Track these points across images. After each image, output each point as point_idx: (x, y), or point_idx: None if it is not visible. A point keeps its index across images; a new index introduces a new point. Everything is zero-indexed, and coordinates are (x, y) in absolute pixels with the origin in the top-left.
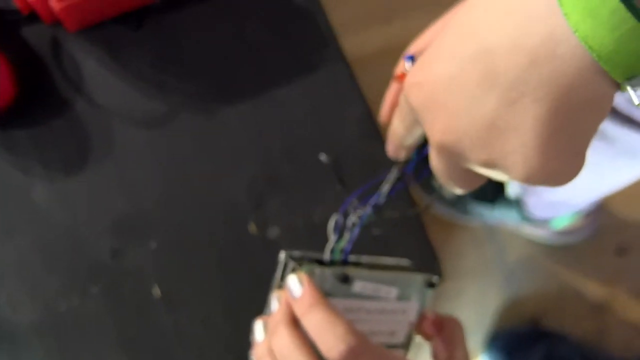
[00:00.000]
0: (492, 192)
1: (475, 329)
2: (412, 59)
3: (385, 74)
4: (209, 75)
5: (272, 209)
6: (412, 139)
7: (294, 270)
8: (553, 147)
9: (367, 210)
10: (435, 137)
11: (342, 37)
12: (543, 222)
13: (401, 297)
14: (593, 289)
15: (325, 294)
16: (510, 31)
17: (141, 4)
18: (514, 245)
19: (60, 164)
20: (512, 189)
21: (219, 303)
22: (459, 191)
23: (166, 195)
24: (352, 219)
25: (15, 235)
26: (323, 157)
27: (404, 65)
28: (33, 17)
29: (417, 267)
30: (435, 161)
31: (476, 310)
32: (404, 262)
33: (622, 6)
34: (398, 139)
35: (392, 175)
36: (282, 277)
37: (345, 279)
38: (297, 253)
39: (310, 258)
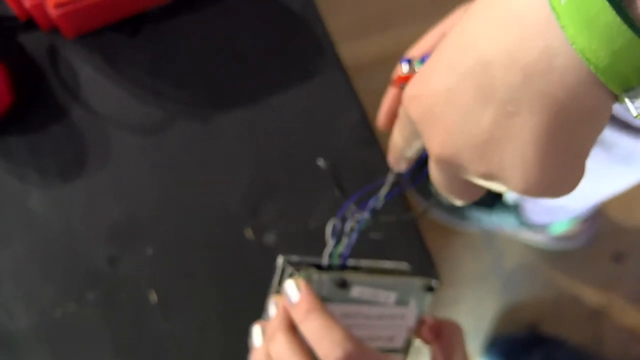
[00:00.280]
0: (490, 197)
1: (473, 334)
2: (410, 62)
3: (382, 81)
4: (205, 82)
5: (268, 215)
6: (412, 151)
7: (291, 276)
8: (551, 160)
9: (365, 214)
10: (434, 149)
11: (339, 44)
12: (541, 228)
13: (400, 302)
14: (590, 295)
15: (323, 299)
16: (507, 44)
17: (138, 11)
18: (512, 251)
19: (56, 170)
20: (510, 194)
21: (215, 309)
22: (459, 202)
23: (162, 202)
24: (350, 223)
25: (12, 242)
26: (321, 162)
27: (401, 69)
28: (30, 23)
29: (415, 271)
30: (435, 173)
31: (474, 316)
32: (404, 265)
33: (618, 19)
34: (398, 150)
35: (389, 179)
36: (280, 283)
37: (343, 284)
38: (295, 258)
39: (308, 263)
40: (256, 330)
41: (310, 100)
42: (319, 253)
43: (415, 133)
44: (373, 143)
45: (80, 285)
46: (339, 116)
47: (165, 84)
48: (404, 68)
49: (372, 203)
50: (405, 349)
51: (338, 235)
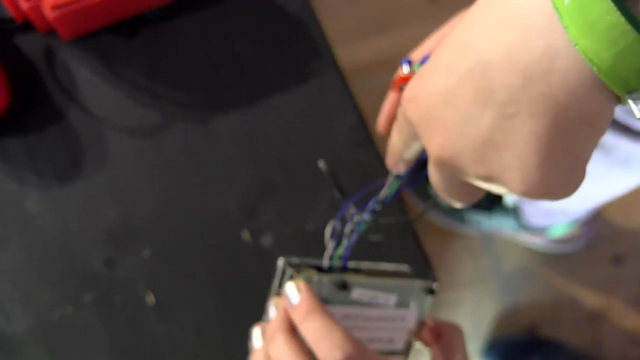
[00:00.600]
0: (489, 200)
1: (472, 337)
2: (410, 62)
3: (379, 83)
4: (202, 84)
5: (266, 217)
6: (410, 153)
7: (291, 278)
8: (552, 163)
9: (365, 216)
10: (433, 151)
11: (337, 46)
12: (540, 230)
13: (400, 304)
14: (589, 298)
15: (323, 301)
16: (507, 44)
17: (135, 13)
18: (511, 254)
19: (53, 172)
20: (509, 197)
21: (212, 311)
22: (458, 205)
23: (160, 204)
24: (350, 225)
25: (9, 244)
26: (322, 164)
27: (401, 69)
28: (27, 25)
29: (416, 274)
30: (434, 175)
31: (473, 318)
32: (404, 268)
33: (622, 19)
34: (397, 152)
35: (389, 180)
36: (280, 284)
37: (344, 286)
38: (295, 260)
39: (308, 265)
40: (256, 332)
41: (308, 102)
42: (317, 254)
43: (413, 135)
44: (370, 145)
45: (78, 288)
46: (336, 118)
47: (163, 86)
48: (405, 69)
49: (372, 204)
50: (406, 351)
51: (338, 237)
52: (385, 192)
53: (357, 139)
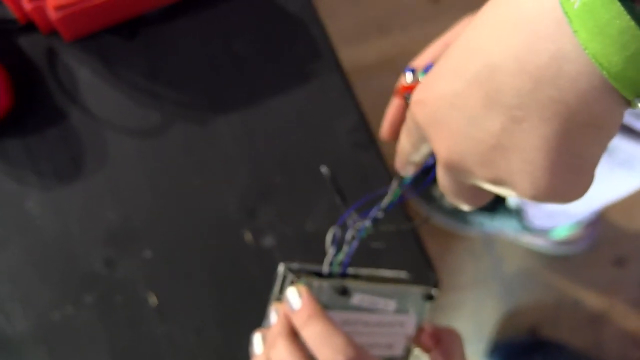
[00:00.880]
0: (492, 201)
1: (474, 339)
2: (413, 71)
3: (380, 85)
4: (202, 85)
5: (266, 218)
6: (419, 156)
7: (292, 283)
8: (561, 167)
9: (366, 223)
10: (442, 154)
11: (338, 48)
12: (543, 232)
13: (399, 310)
14: (591, 300)
15: (323, 307)
16: (516, 49)
17: (136, 14)
18: (513, 255)
19: (53, 173)
20: (513, 198)
21: (213, 313)
22: (466, 207)
23: (159, 204)
24: (351, 232)
25: (8, 244)
26: (324, 169)
27: (404, 78)
28: (30, 26)
29: (415, 280)
30: (442, 178)
31: (475, 321)
32: (403, 274)
33: (632, 24)
34: (405, 155)
35: (392, 188)
36: (281, 290)
37: (344, 292)
38: (295, 265)
39: (308, 270)
40: (257, 338)
41: (309, 103)
42: (318, 255)
43: (422, 138)
44: (371, 146)
45: (78, 288)
46: (337, 119)
47: (163, 87)
48: (408, 78)
49: (374, 212)
50: (405, 356)
51: (338, 244)
52: (387, 200)
53: (358, 139)
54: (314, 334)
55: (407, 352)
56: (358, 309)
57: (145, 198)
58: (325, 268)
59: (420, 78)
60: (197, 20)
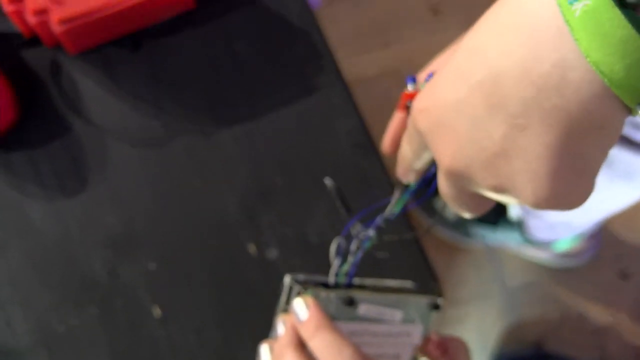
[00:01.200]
0: (494, 213)
1: (478, 352)
2: (414, 80)
3: (381, 95)
4: (204, 96)
5: (269, 226)
6: (421, 163)
7: (299, 294)
8: (563, 174)
9: (370, 232)
10: (444, 162)
11: (339, 59)
12: (545, 245)
13: (406, 320)
14: (595, 313)
15: (330, 318)
16: (520, 56)
17: (139, 27)
18: (516, 268)
19: (56, 183)
20: (514, 210)
21: (215, 321)
22: (467, 215)
23: (162, 212)
24: (355, 242)
25: (10, 251)
26: (328, 181)
27: (406, 87)
28: (34, 40)
29: (420, 289)
30: (444, 185)
31: (479, 333)
32: (408, 284)
33: (634, 32)
34: (407, 162)
35: (395, 197)
36: (288, 301)
37: (351, 302)
38: (301, 277)
39: (315, 281)
40: (264, 349)
41: (310, 111)
42: (322, 265)
43: (423, 145)
44: (372, 152)
45: (79, 293)
46: (339, 125)
47: (165, 97)
48: (410, 87)
49: (378, 221)
50: None
51: (343, 254)
52: (390, 208)
53: (359, 144)
54: (322, 344)
55: None
56: (365, 319)
57: (147, 206)
58: (331, 279)
59: (422, 88)
60: (199, 31)
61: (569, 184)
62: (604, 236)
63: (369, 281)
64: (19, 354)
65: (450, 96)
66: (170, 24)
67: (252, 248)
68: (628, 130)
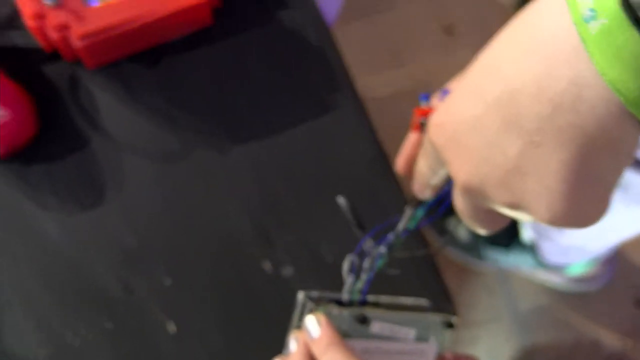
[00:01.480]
0: (507, 236)
1: None
2: (428, 97)
3: (394, 116)
4: (221, 113)
5: (284, 247)
6: (437, 179)
7: (312, 311)
8: (578, 192)
9: (382, 249)
10: (459, 178)
11: (355, 80)
12: (558, 268)
13: (419, 338)
14: (610, 340)
15: (343, 335)
16: (535, 73)
17: (157, 43)
18: (528, 292)
19: (74, 197)
20: (527, 234)
21: (230, 340)
22: (482, 232)
23: (177, 229)
24: (368, 260)
25: (27, 267)
26: (341, 200)
27: (419, 105)
28: (54, 55)
29: (435, 308)
30: (459, 201)
31: (489, 357)
32: (423, 302)
33: None
34: (423, 178)
35: (406, 214)
36: (300, 318)
37: (363, 320)
38: (315, 293)
39: (328, 298)
40: None
41: (325, 133)
42: (336, 284)
43: (440, 161)
44: (388, 176)
45: (94, 309)
46: (354, 148)
47: (181, 114)
48: (423, 104)
49: (389, 238)
50: None
51: (357, 271)
52: (402, 225)
53: (373, 165)
54: None
55: None
56: (378, 337)
57: (161, 221)
58: (344, 296)
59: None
60: (217, 48)
61: (583, 202)
62: (618, 262)
63: (383, 298)
64: None
65: (466, 112)
66: (187, 40)
67: (266, 265)
68: None
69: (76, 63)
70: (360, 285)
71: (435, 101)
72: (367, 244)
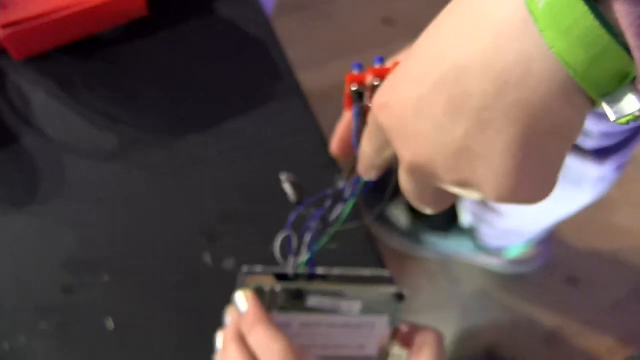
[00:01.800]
0: (446, 222)
1: None
2: (360, 66)
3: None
4: (162, 108)
5: (228, 241)
6: (381, 160)
7: (243, 287)
8: (526, 168)
9: (312, 225)
10: (406, 159)
11: (296, 73)
12: (497, 251)
13: (367, 311)
14: (546, 319)
15: (280, 309)
16: (481, 50)
17: (91, 33)
18: (468, 277)
19: (7, 199)
20: (466, 218)
21: (173, 336)
22: (428, 211)
23: (118, 230)
24: (307, 234)
25: None
26: (283, 176)
27: (349, 87)
28: None
29: (391, 280)
30: (405, 182)
31: None
32: (385, 273)
33: (597, 23)
34: (368, 159)
35: (337, 187)
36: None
37: (298, 295)
38: (259, 268)
39: (273, 273)
40: (218, 338)
41: (269, 125)
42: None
43: (385, 142)
44: (332, 167)
45: (32, 316)
46: (298, 140)
47: (121, 110)
48: (354, 72)
49: (319, 213)
50: (383, 357)
51: (295, 247)
52: (329, 200)
53: (320, 161)
54: (257, 340)
55: (385, 352)
56: (317, 311)
57: (103, 222)
58: (289, 270)
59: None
60: (157, 40)
61: (532, 178)
62: (553, 243)
63: (336, 271)
64: None
65: (412, 93)
66: (123, 32)
67: (207, 258)
68: (578, 139)
69: (1, 54)
70: (304, 258)
71: (390, 62)
72: (307, 215)
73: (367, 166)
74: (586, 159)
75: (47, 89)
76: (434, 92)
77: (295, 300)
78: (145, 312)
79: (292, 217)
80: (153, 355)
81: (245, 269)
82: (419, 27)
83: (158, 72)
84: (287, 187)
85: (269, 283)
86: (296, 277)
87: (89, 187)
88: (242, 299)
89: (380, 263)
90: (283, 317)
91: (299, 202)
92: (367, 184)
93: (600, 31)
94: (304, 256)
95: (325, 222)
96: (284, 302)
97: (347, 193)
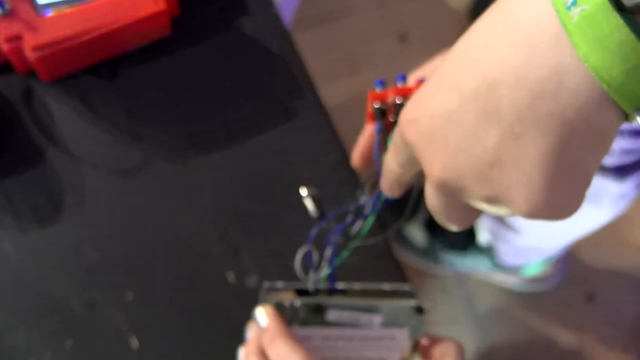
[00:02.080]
0: (464, 240)
1: None
2: (383, 83)
3: (352, 123)
4: (182, 124)
5: (250, 258)
6: (407, 176)
7: (264, 303)
8: (558, 182)
9: (333, 239)
10: (435, 173)
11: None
12: (514, 270)
13: (388, 324)
14: (564, 337)
15: (301, 324)
16: (514, 62)
17: (115, 54)
18: (484, 294)
19: (31, 214)
20: (483, 236)
21: (197, 352)
22: (454, 228)
23: (141, 244)
24: (329, 249)
25: None
26: (303, 191)
27: (372, 104)
28: (7, 66)
29: (412, 294)
30: (433, 198)
31: None
32: (406, 287)
33: (633, 37)
34: (393, 176)
35: (358, 202)
36: None
37: (318, 309)
38: (280, 284)
39: (294, 288)
40: (241, 352)
41: (290, 140)
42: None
43: (411, 158)
44: (354, 182)
45: (56, 333)
46: (319, 154)
47: (142, 126)
48: (377, 89)
49: (340, 228)
50: None
51: (316, 262)
52: (350, 216)
53: (341, 176)
54: (277, 353)
55: None
56: (338, 325)
57: (124, 236)
58: (310, 286)
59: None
60: (176, 58)
61: (561, 193)
62: (570, 260)
63: (356, 285)
64: None
65: (442, 106)
66: (147, 50)
67: (230, 276)
68: None
69: (30, 75)
70: (325, 273)
71: (412, 79)
72: (328, 231)
73: (392, 183)
74: (607, 176)
75: (71, 107)
76: (466, 103)
77: (316, 314)
78: (168, 331)
79: (313, 231)
80: None
81: (266, 285)
82: (433, 43)
83: (177, 89)
84: (308, 202)
85: (289, 298)
86: (317, 292)
87: (111, 202)
88: (263, 314)
89: (402, 277)
90: (304, 331)
91: (320, 217)
92: (387, 200)
93: (636, 44)
94: (325, 271)
95: (346, 237)
96: (304, 316)
97: (368, 209)
